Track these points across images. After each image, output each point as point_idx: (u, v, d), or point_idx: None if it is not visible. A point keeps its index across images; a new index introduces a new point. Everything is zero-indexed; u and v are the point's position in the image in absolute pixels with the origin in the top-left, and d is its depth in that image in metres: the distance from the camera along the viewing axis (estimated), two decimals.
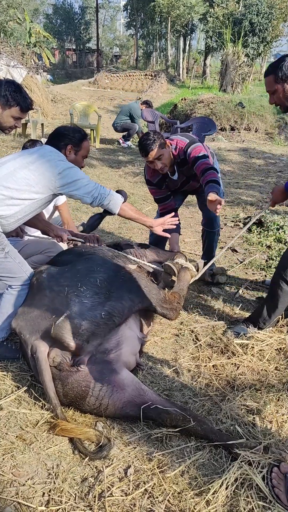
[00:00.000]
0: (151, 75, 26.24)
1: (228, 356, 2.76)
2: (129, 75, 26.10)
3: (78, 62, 43.44)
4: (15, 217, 2.46)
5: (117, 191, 2.70)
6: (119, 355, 2.25)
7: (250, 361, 2.69)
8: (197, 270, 3.23)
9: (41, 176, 2.42)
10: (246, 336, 2.90)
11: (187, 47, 36.24)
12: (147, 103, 10.31)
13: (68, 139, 2.68)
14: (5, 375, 2.49)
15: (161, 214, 3.58)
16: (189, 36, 36.00)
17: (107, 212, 2.72)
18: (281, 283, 2.74)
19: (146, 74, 26.55)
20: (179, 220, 3.55)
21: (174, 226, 2.99)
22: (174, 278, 2.93)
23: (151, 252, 3.34)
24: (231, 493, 1.79)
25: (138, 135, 10.60)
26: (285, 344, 2.85)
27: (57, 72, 31.47)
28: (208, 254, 3.95)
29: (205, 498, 1.77)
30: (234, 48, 16.02)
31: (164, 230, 2.98)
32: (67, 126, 2.84)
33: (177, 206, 3.76)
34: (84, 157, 2.80)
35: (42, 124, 10.16)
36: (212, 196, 2.86)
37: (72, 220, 3.64)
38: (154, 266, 2.99)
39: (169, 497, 1.79)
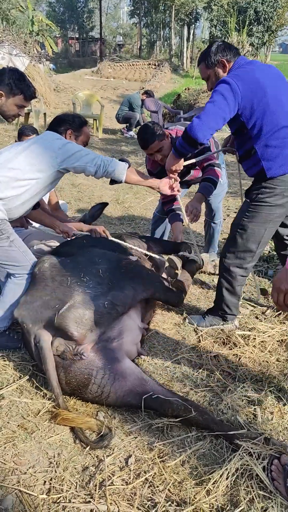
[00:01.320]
0: (155, 65, 26.02)
1: (229, 347, 2.76)
2: (133, 65, 25.88)
3: (81, 51, 43.09)
4: (21, 199, 2.46)
5: (120, 159, 2.69)
6: (121, 344, 2.25)
7: (251, 352, 2.69)
8: (202, 263, 3.25)
9: (42, 155, 2.44)
10: (199, 327, 2.92)
11: (191, 36, 35.88)
12: (148, 93, 10.24)
13: (68, 124, 2.72)
14: (7, 364, 2.50)
15: (163, 203, 3.56)
16: (193, 25, 35.63)
17: (113, 182, 2.70)
18: (231, 268, 2.73)
19: (149, 64, 26.33)
20: (181, 210, 3.54)
21: (178, 192, 3.00)
22: (177, 271, 2.93)
23: (154, 243, 3.33)
24: (231, 483, 1.80)
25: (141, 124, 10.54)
26: (287, 335, 2.85)
27: (60, 61, 31.25)
28: (210, 245, 3.94)
29: (205, 487, 1.77)
30: (239, 37, 15.83)
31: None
32: (67, 113, 2.86)
33: (181, 195, 3.74)
34: (84, 143, 2.79)
35: (45, 114, 10.10)
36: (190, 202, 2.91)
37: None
38: (157, 257, 2.98)
39: (170, 486, 1.80)
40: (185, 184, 3.69)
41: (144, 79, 22.34)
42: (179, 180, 3.02)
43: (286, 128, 2.40)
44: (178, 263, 2.96)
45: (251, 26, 19.37)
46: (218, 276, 2.88)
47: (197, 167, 3.41)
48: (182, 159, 2.74)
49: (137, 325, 2.49)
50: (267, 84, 2.38)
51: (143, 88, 14.85)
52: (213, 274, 3.73)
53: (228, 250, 2.73)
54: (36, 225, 3.38)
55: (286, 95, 2.45)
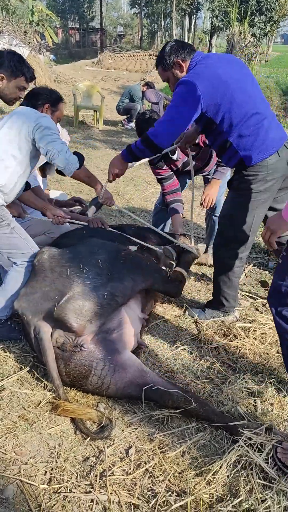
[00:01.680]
0: (156, 55, 25.80)
1: (230, 339, 2.76)
2: (133, 55, 25.68)
3: (82, 41, 42.74)
4: (12, 181, 2.48)
5: (75, 153, 2.66)
6: (121, 335, 2.25)
7: (252, 344, 2.69)
8: (198, 253, 3.23)
9: (18, 128, 2.46)
10: (200, 319, 2.93)
11: (192, 26, 35.58)
12: (149, 85, 10.16)
13: (46, 98, 2.75)
14: (7, 355, 2.50)
15: (163, 194, 3.54)
16: (194, 15, 35.30)
17: (59, 172, 2.70)
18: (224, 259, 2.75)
19: (150, 54, 26.10)
20: (182, 202, 3.53)
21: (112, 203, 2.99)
22: (173, 261, 2.93)
23: (153, 234, 3.32)
24: (231, 474, 1.81)
25: None
26: None
27: (60, 51, 31.01)
28: (211, 237, 3.93)
29: (205, 478, 1.78)
30: (240, 27, 15.67)
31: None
32: (43, 87, 2.90)
33: (185, 185, 3.73)
34: (58, 119, 2.85)
35: None
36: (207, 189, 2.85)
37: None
38: (156, 248, 2.97)
39: (170, 477, 1.81)
40: (187, 175, 3.67)
41: (145, 70, 22.17)
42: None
43: (256, 115, 2.38)
44: (174, 253, 2.96)
45: (253, 16, 19.18)
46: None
47: (196, 155, 3.38)
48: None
49: (137, 316, 2.49)
50: (229, 76, 2.34)
51: (143, 79, 14.73)
52: (214, 266, 3.72)
53: (220, 243, 2.72)
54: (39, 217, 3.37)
55: (250, 83, 2.42)
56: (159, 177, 3.50)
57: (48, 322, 2.14)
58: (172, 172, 3.48)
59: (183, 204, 3.51)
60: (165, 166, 3.43)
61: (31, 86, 2.83)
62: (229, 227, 2.63)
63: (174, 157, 3.34)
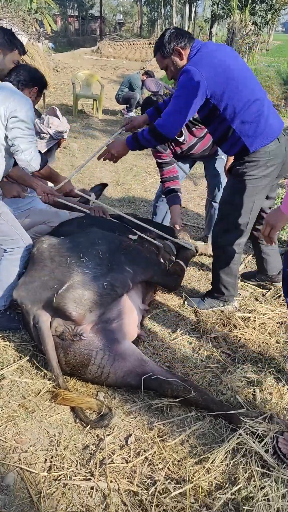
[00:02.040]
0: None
1: (229, 328, 2.76)
2: (133, 44, 25.44)
3: (81, 29, 42.29)
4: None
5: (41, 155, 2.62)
6: (121, 325, 2.25)
7: (251, 334, 2.69)
8: (196, 251, 3.26)
9: None
10: (200, 308, 2.93)
11: (192, 14, 35.17)
12: (148, 74, 10.07)
13: (37, 81, 2.67)
14: (7, 345, 2.50)
15: (162, 180, 3.52)
16: (194, 3, 34.84)
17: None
18: (224, 246, 2.75)
19: (150, 43, 25.83)
20: (180, 191, 3.50)
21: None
22: (173, 256, 2.94)
23: (153, 226, 3.32)
24: (230, 462, 1.82)
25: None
26: (286, 317, 2.85)
27: (59, 40, 30.69)
28: (211, 225, 3.91)
29: (204, 466, 1.79)
30: (241, 15, 15.51)
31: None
32: (37, 69, 2.79)
33: (187, 172, 3.70)
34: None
35: (44, 94, 9.95)
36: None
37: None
38: (156, 242, 2.97)
39: (169, 464, 1.82)
40: (189, 160, 3.63)
41: (145, 59, 21.96)
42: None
43: (256, 102, 2.41)
44: (173, 248, 2.98)
45: (254, 4, 18.93)
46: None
47: (201, 139, 3.34)
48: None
49: (137, 306, 2.49)
50: (230, 63, 2.37)
51: (143, 68, 14.62)
52: (213, 253, 3.72)
53: (220, 229, 2.73)
54: (41, 206, 3.36)
55: (247, 70, 2.46)
56: (160, 161, 3.45)
57: (48, 311, 2.14)
58: (173, 158, 3.45)
59: (181, 193, 3.49)
60: (168, 150, 3.40)
61: None
62: (229, 213, 2.64)
63: (181, 139, 3.28)
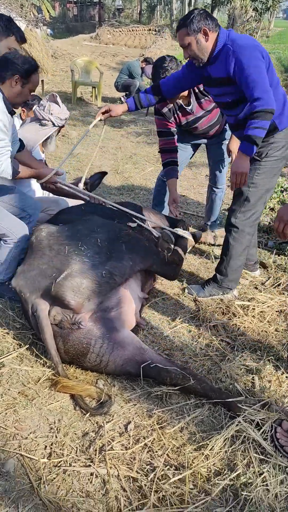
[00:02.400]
0: (155, 30, 25.22)
1: (228, 317, 2.77)
2: (132, 30, 25.11)
3: (79, 15, 41.69)
4: None
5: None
6: (120, 313, 2.25)
7: (250, 322, 2.70)
8: (195, 240, 3.26)
9: None
10: (199, 297, 2.93)
11: (192, 0, 34.70)
12: (148, 61, 9.96)
13: (16, 68, 2.46)
14: (7, 333, 2.51)
15: (161, 150, 3.48)
16: None
17: None
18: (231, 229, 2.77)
19: (149, 29, 25.53)
20: (178, 164, 3.48)
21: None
22: (171, 246, 2.94)
23: (154, 215, 3.31)
24: (229, 448, 1.83)
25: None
26: (285, 306, 2.86)
27: (57, 26, 30.28)
28: (211, 213, 3.90)
29: (203, 453, 1.81)
30: (242, 1, 15.33)
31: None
32: (16, 53, 2.61)
33: (190, 158, 3.68)
34: (30, 91, 2.62)
35: (42, 81, 9.85)
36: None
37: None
38: (154, 232, 2.96)
39: (168, 451, 1.84)
40: (191, 138, 3.55)
41: (144, 46, 21.71)
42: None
43: (279, 83, 2.56)
44: (172, 238, 2.98)
45: None
46: (222, 244, 2.89)
47: (208, 112, 3.27)
48: None
49: (137, 294, 2.49)
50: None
51: (143, 55, 14.44)
52: (213, 245, 3.72)
53: (239, 210, 2.73)
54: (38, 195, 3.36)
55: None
56: (162, 130, 3.40)
57: (46, 300, 2.13)
58: (175, 129, 3.41)
59: (177, 167, 3.47)
60: (172, 118, 3.33)
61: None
62: (252, 194, 2.67)
63: (189, 108, 3.22)
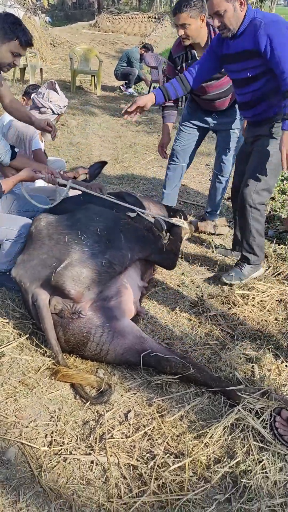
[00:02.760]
0: (155, 18, 24.93)
1: (229, 306, 2.77)
2: (132, 17, 24.80)
3: (78, 2, 41.17)
4: None
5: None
6: (120, 302, 2.25)
7: (250, 312, 2.70)
8: (196, 228, 3.28)
9: None
10: (241, 279, 2.95)
11: None
12: (146, 47, 9.85)
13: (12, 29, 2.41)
14: (7, 322, 2.51)
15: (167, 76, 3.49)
16: None
17: None
18: (248, 209, 2.80)
19: (149, 17, 25.21)
20: (176, 109, 3.53)
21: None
22: (163, 233, 2.95)
23: (153, 205, 3.30)
24: (228, 437, 1.84)
25: (146, 81, 10.24)
26: (285, 295, 2.85)
27: (56, 13, 29.94)
28: (212, 201, 3.88)
29: (203, 441, 1.82)
30: None
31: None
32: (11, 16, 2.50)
33: (197, 144, 3.68)
34: (13, 54, 2.49)
35: (41, 69, 9.76)
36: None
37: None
38: (147, 218, 2.95)
39: (168, 439, 1.84)
40: (199, 111, 3.51)
41: (144, 33, 21.47)
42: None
43: None
44: (164, 225, 3.01)
45: None
46: (240, 228, 3.00)
47: (218, 79, 3.19)
48: None
49: (136, 283, 2.49)
50: None
51: (142, 43, 14.29)
52: (213, 234, 3.71)
53: (254, 189, 2.76)
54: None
55: None
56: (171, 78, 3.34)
57: (46, 289, 2.13)
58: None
59: (176, 112, 3.57)
60: (180, 65, 3.28)
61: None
62: (268, 173, 2.70)
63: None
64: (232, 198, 3.23)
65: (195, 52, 3.17)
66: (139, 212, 2.78)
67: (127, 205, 2.73)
